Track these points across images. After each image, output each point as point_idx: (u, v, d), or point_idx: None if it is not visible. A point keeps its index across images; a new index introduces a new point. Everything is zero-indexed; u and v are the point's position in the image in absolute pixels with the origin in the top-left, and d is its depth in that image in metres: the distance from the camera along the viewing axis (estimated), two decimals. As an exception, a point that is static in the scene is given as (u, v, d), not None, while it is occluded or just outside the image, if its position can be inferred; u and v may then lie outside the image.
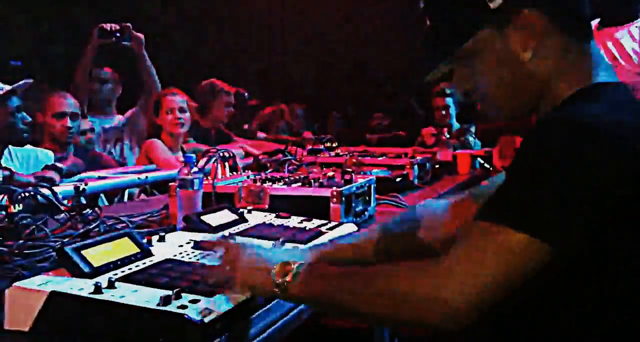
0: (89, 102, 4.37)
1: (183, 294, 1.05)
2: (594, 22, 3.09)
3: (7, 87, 2.78)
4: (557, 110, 1.17)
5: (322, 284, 1.10)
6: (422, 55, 1.31)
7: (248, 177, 2.18)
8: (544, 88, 1.20)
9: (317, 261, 1.28)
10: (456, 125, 4.95)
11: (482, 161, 3.75)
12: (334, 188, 1.90)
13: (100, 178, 2.66)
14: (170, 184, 1.96)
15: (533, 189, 1.02)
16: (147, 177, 2.78)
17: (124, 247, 1.25)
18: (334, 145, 3.54)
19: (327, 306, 1.13)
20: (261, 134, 5.74)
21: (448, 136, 4.26)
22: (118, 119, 4.57)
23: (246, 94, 5.82)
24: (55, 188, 2.05)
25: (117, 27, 4.20)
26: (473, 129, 4.77)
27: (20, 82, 2.84)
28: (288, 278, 1.10)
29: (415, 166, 2.94)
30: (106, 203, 2.92)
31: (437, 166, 3.35)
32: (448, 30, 1.25)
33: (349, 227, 1.73)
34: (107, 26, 4.18)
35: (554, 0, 1.19)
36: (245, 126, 5.83)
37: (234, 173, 2.18)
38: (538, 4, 1.17)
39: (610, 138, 1.03)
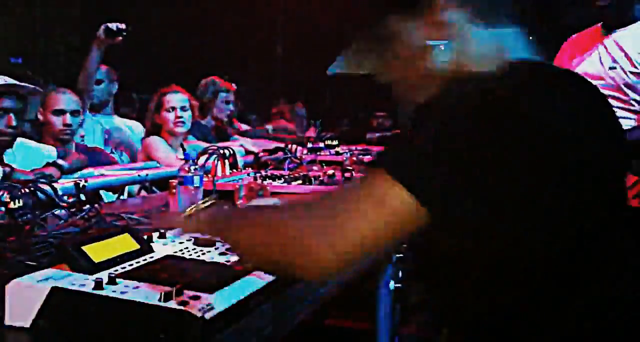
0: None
1: (184, 290, 1.05)
2: (596, 26, 3.10)
3: (10, 81, 2.74)
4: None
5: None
6: None
7: (248, 174, 2.18)
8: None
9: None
10: None
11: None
12: (335, 186, 1.90)
13: (100, 175, 2.66)
14: (170, 181, 1.96)
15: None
16: (147, 174, 2.77)
17: (125, 243, 1.25)
18: (334, 143, 3.54)
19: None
20: (269, 125, 5.72)
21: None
22: (119, 121, 4.55)
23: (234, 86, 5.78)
24: (55, 184, 2.05)
25: (123, 26, 4.12)
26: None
27: (30, 86, 2.79)
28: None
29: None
30: (107, 200, 2.92)
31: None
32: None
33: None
34: (113, 25, 4.11)
35: None
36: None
37: (234, 170, 2.18)
38: None
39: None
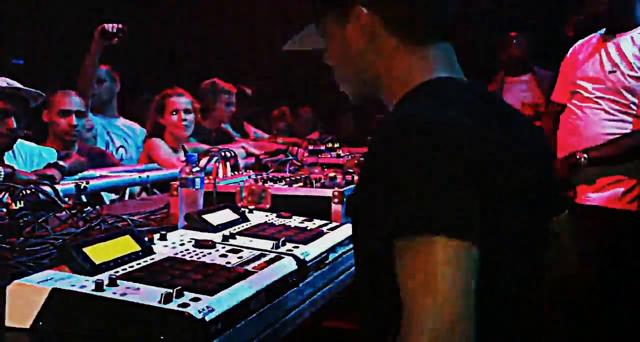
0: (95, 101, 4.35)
1: (184, 292, 1.05)
2: (600, 32, 3.11)
3: (14, 84, 2.74)
4: (393, 109, 1.17)
5: None
6: None
7: (249, 177, 2.18)
8: (377, 84, 1.22)
9: None
10: None
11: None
12: (336, 189, 1.90)
13: (101, 177, 2.66)
14: (171, 183, 1.96)
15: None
16: (148, 176, 2.78)
17: (126, 245, 1.25)
18: (335, 146, 3.54)
19: None
20: (265, 135, 5.73)
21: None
22: (122, 122, 4.54)
23: (248, 90, 5.79)
24: (56, 186, 2.05)
25: (120, 27, 4.13)
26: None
27: (33, 90, 2.79)
28: None
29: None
30: (107, 201, 2.92)
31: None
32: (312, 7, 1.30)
33: (350, 229, 1.73)
34: (109, 27, 4.11)
35: (385, 4, 1.18)
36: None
37: (236, 173, 2.18)
38: (370, 5, 1.17)
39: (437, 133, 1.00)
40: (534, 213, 1.10)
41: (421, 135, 1.00)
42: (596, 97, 3.01)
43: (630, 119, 2.91)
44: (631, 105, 2.92)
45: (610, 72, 2.98)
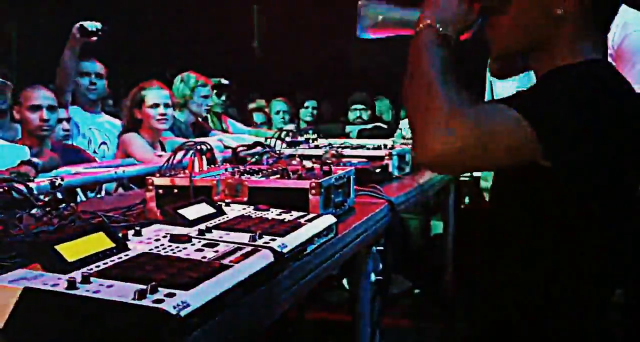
0: (81, 98, 4.32)
1: (159, 288, 1.04)
2: None
3: None
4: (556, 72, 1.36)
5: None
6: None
7: (226, 170, 2.16)
8: (553, 46, 1.38)
9: None
10: None
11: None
12: (313, 180, 1.90)
13: (76, 173, 2.63)
14: (146, 178, 1.95)
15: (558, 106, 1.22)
16: (124, 171, 2.75)
17: (99, 241, 1.23)
18: (313, 137, 3.53)
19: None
20: (245, 128, 5.71)
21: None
22: (104, 118, 4.52)
23: (225, 81, 5.74)
24: (30, 183, 2.02)
25: (99, 25, 4.09)
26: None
27: None
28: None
29: (395, 157, 2.94)
30: (83, 198, 2.89)
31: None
32: None
33: (328, 219, 1.73)
34: (88, 24, 4.08)
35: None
36: None
37: (212, 166, 2.16)
38: None
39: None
40: None
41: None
42: None
43: None
44: None
45: None
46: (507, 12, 1.40)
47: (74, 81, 4.20)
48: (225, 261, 1.24)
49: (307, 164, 2.26)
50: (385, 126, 6.65)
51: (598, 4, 1.37)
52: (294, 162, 2.60)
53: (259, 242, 1.41)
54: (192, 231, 1.46)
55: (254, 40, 8.61)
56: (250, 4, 8.68)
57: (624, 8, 2.98)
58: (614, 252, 1.30)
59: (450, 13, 1.37)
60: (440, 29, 1.35)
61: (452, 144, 1.19)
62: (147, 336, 0.97)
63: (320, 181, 1.89)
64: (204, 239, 1.41)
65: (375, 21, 1.55)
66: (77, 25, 4.05)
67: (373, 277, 2.25)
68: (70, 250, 1.16)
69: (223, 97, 5.59)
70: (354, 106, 6.71)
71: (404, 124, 4.96)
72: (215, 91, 5.15)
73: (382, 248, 2.32)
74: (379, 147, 3.20)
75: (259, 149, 2.83)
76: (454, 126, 1.19)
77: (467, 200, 4.88)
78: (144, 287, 1.02)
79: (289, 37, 8.16)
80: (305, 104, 7.09)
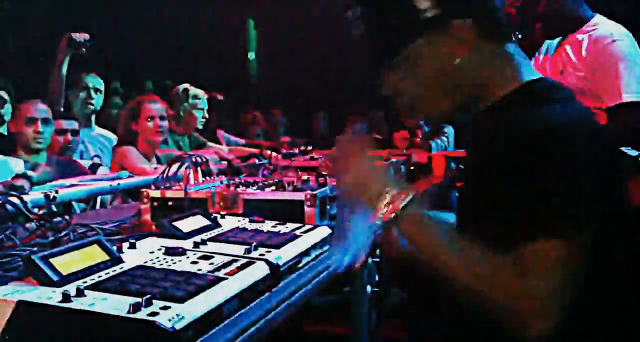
0: (76, 111, 4.32)
1: (154, 301, 1.03)
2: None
3: None
4: (500, 113, 1.29)
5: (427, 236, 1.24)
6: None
7: (221, 182, 2.16)
8: (477, 92, 1.31)
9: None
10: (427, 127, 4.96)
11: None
12: (308, 191, 1.89)
13: (71, 186, 2.62)
14: (141, 190, 1.94)
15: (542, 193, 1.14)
16: (119, 183, 2.74)
17: (94, 254, 1.23)
18: (308, 149, 3.53)
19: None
20: (240, 140, 5.71)
21: (421, 137, 4.27)
22: (97, 132, 4.53)
23: (220, 96, 5.77)
24: (25, 196, 2.02)
25: (88, 37, 4.11)
26: (447, 130, 4.78)
27: None
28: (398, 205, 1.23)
29: (390, 168, 2.94)
30: (78, 211, 2.88)
31: (412, 168, 3.36)
32: (384, 42, 1.35)
33: (324, 231, 1.73)
34: (76, 36, 4.09)
35: (480, 10, 1.29)
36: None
37: (207, 178, 2.16)
38: (466, 15, 1.27)
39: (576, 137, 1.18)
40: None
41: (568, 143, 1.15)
42: None
43: None
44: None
45: (560, 72, 3.02)
46: (409, 91, 1.34)
47: (63, 92, 4.23)
48: (221, 274, 1.23)
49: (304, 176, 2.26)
50: (380, 137, 6.65)
51: (485, 27, 1.29)
52: (289, 173, 2.60)
53: (254, 254, 1.40)
54: (187, 244, 1.46)
55: (248, 52, 8.63)
56: (246, 17, 8.71)
57: (601, 19, 3.00)
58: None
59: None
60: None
61: (541, 305, 1.11)
62: (141, 349, 0.96)
63: (315, 192, 1.89)
64: (199, 251, 1.40)
65: None
66: (66, 36, 4.07)
67: (369, 289, 2.24)
68: (64, 263, 1.16)
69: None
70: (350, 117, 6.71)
71: (397, 136, 4.96)
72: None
73: (378, 259, 2.32)
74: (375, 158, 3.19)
75: (254, 160, 2.83)
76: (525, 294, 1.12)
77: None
78: (139, 300, 1.02)
79: (284, 49, 8.18)
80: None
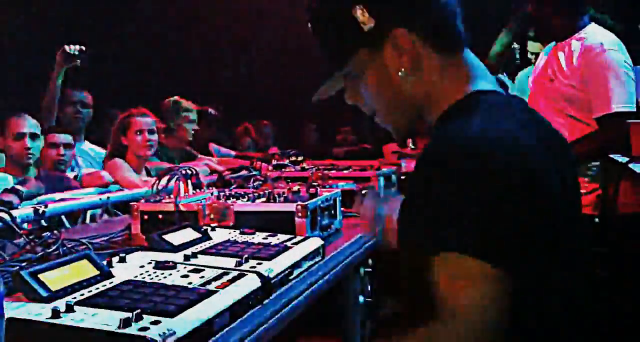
0: (66, 126, 4.32)
1: (144, 316, 1.02)
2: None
3: None
4: (439, 125, 1.24)
5: None
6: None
7: (212, 194, 2.15)
8: (424, 103, 1.26)
9: None
10: None
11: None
12: (299, 202, 1.89)
13: (61, 200, 2.60)
14: (131, 204, 1.93)
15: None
16: (108, 197, 2.73)
17: (83, 269, 1.22)
18: (299, 159, 3.52)
19: None
20: (231, 152, 5.71)
21: (413, 147, 4.27)
22: (88, 146, 4.53)
23: (212, 111, 5.78)
24: (14, 211, 2.00)
25: (82, 48, 4.10)
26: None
27: None
28: None
29: (381, 178, 2.94)
30: (67, 226, 2.86)
31: (402, 178, 3.36)
32: (329, 53, 1.32)
33: (315, 242, 1.72)
34: (70, 48, 4.09)
35: (422, 19, 1.24)
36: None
37: (197, 190, 2.15)
38: (408, 25, 1.22)
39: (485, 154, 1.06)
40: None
41: (471, 160, 1.05)
42: (537, 99, 3.08)
43: (573, 128, 2.95)
44: (571, 116, 2.98)
45: (550, 80, 3.04)
46: (367, 104, 1.31)
47: (57, 106, 4.23)
48: (211, 287, 1.23)
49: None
50: (369, 147, 6.67)
51: (430, 36, 1.24)
52: (280, 184, 2.59)
53: (246, 266, 1.39)
54: (178, 257, 1.45)
55: (240, 64, 8.63)
56: (239, 28, 8.71)
57: (594, 27, 3.02)
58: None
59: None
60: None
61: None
62: (132, 364, 0.95)
63: (306, 203, 1.88)
64: (190, 264, 1.39)
65: None
66: (61, 50, 4.07)
67: (362, 299, 2.24)
68: (53, 279, 1.15)
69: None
70: (340, 128, 6.74)
71: (386, 149, 4.96)
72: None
73: (370, 270, 2.31)
74: (365, 169, 3.20)
75: (245, 172, 2.82)
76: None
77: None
78: (129, 315, 1.01)
79: (277, 60, 8.19)
80: None
